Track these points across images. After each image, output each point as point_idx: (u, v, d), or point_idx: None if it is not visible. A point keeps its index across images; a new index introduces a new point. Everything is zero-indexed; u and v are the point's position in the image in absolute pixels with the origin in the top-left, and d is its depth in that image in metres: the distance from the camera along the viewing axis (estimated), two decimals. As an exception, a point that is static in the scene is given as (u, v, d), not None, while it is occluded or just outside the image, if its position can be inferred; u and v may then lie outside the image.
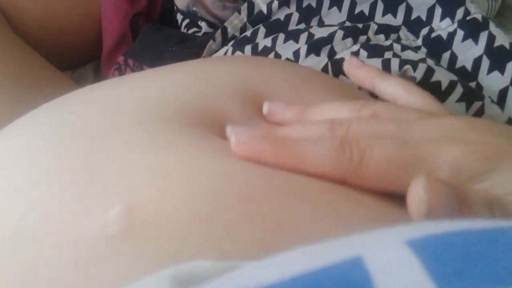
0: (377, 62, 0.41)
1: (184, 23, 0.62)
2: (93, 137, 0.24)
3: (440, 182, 0.20)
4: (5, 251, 0.20)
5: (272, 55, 0.46)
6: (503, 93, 0.43)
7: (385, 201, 0.23)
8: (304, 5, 0.49)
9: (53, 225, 0.21)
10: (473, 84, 0.44)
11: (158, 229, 0.19)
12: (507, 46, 0.44)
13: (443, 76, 0.40)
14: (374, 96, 0.38)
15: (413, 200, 0.20)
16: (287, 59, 0.45)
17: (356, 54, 0.44)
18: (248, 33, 0.50)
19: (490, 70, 0.44)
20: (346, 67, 0.34)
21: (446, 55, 0.45)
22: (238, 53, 0.48)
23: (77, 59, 0.65)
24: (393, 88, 0.31)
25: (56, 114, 0.28)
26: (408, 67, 0.40)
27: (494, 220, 0.16)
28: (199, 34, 0.59)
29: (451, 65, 0.45)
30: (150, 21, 0.66)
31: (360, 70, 0.33)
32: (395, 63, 0.40)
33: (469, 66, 0.45)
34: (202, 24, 0.60)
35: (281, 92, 0.31)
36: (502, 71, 0.43)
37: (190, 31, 0.61)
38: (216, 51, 0.52)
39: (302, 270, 0.13)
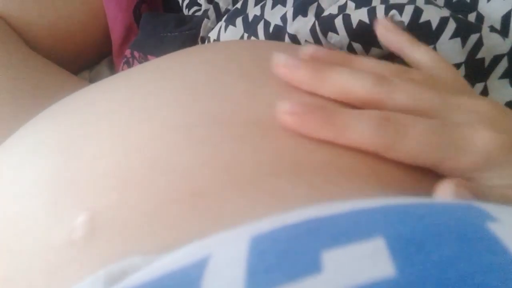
0: (363, 12, 0.40)
1: (184, 4, 0.62)
2: (65, 150, 0.26)
3: (466, 189, 0.22)
4: None
5: (261, 24, 0.45)
6: (506, 19, 0.41)
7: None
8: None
9: (27, 235, 0.22)
10: (473, 15, 0.42)
11: (115, 231, 0.21)
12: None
13: (432, 15, 0.38)
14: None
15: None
16: (276, 25, 0.44)
17: (343, 7, 0.42)
18: (238, 4, 0.50)
19: (490, -4, 0.41)
20: (378, 28, 0.34)
21: (441, -11, 0.43)
22: (230, 28, 0.48)
23: (91, 58, 0.67)
24: (420, 57, 0.32)
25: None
26: (394, 12, 0.38)
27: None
28: (200, 13, 0.59)
29: (449, -1, 0.43)
30: (154, 8, 0.66)
31: (391, 34, 0.34)
32: (380, 10, 0.39)
33: (467, -4, 0.42)
34: (202, 1, 0.60)
35: None
36: (503, -5, 0.40)
37: (191, 11, 0.61)
38: (212, 28, 0.52)
39: (154, 276, 0.14)
